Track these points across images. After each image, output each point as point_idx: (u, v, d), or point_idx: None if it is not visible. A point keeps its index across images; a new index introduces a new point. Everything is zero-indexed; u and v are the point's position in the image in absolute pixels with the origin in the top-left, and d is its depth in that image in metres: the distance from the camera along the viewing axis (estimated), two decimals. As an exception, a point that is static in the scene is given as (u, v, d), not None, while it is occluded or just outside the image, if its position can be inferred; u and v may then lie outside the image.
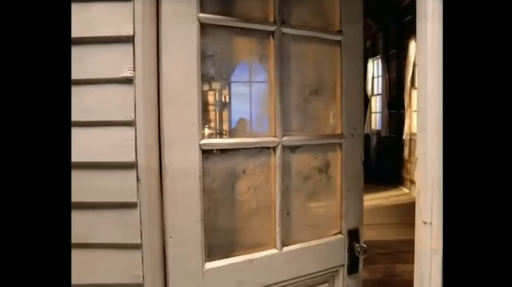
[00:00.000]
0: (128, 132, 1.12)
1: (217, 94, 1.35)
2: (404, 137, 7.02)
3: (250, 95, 1.38)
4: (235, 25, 1.26)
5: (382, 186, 7.71)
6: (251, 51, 1.32)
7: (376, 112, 9.22)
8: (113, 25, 1.10)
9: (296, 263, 1.38)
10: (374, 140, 9.07)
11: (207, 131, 1.32)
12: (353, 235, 1.51)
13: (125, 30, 1.10)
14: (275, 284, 1.34)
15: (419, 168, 0.99)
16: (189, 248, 1.21)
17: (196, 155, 1.20)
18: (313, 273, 1.43)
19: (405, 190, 7.27)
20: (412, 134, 6.91)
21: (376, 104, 9.20)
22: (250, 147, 1.32)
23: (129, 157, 1.12)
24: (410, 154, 6.98)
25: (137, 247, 1.14)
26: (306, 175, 1.43)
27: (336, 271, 1.49)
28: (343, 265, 1.50)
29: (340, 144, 1.47)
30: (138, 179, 1.12)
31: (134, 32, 1.10)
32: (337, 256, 1.49)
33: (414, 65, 6.78)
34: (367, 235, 5.17)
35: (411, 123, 6.93)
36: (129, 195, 1.13)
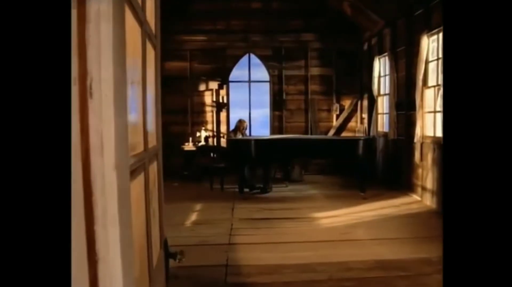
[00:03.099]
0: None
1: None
2: (415, 140, 6.46)
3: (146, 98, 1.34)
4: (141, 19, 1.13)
5: (390, 192, 7.16)
6: (150, 51, 1.24)
7: (382, 113, 8.68)
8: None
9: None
10: (380, 143, 8.53)
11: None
12: (166, 244, 1.53)
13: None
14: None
15: None
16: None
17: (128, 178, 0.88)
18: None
19: (416, 197, 6.73)
20: (424, 137, 6.37)
21: (383, 104, 8.66)
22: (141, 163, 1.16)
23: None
24: (422, 159, 6.44)
25: None
26: (151, 190, 1.38)
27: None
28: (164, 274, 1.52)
29: (157, 155, 1.48)
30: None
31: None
32: (162, 267, 1.49)
33: (427, 62, 6.24)
34: (379, 252, 4.51)
35: (424, 125, 6.38)
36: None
